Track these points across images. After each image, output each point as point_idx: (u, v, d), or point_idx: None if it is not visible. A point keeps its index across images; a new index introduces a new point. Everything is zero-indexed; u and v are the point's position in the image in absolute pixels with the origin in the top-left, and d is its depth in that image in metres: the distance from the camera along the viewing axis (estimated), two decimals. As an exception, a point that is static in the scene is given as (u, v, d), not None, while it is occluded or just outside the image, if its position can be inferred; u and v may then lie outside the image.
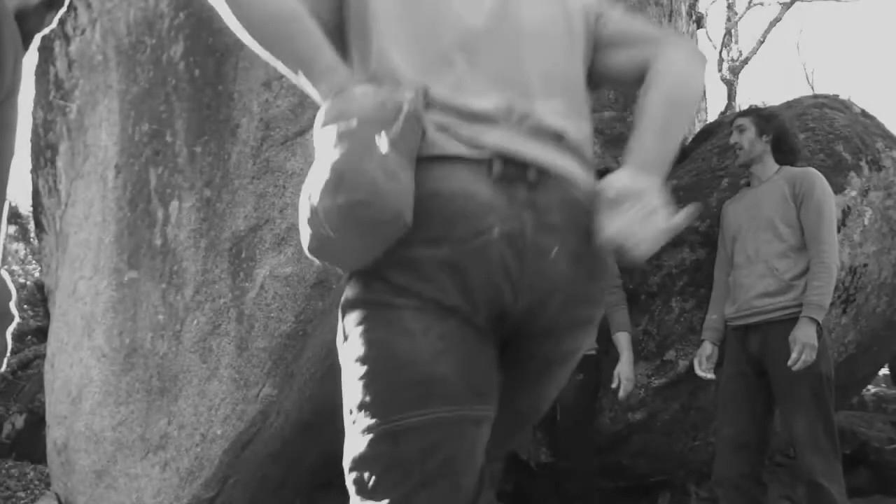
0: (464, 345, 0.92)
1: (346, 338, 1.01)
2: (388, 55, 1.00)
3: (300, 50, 0.98)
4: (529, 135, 0.97)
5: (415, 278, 0.91)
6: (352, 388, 0.98)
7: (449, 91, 0.96)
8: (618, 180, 0.97)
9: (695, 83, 1.12)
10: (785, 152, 2.71)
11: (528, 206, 0.94)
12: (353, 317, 1.00)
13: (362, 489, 0.94)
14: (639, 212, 0.92)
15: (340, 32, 1.09)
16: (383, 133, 0.86)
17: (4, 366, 1.33)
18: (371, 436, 0.93)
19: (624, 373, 2.88)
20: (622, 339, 2.96)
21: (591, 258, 1.00)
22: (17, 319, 1.29)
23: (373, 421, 0.93)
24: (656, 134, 1.05)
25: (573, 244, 0.97)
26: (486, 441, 0.93)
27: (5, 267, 1.26)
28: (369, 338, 0.95)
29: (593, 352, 3.02)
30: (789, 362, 2.35)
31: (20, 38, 1.22)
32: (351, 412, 0.98)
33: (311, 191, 0.90)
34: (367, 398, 0.94)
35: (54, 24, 1.41)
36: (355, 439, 0.96)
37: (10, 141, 1.24)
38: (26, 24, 1.28)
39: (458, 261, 0.90)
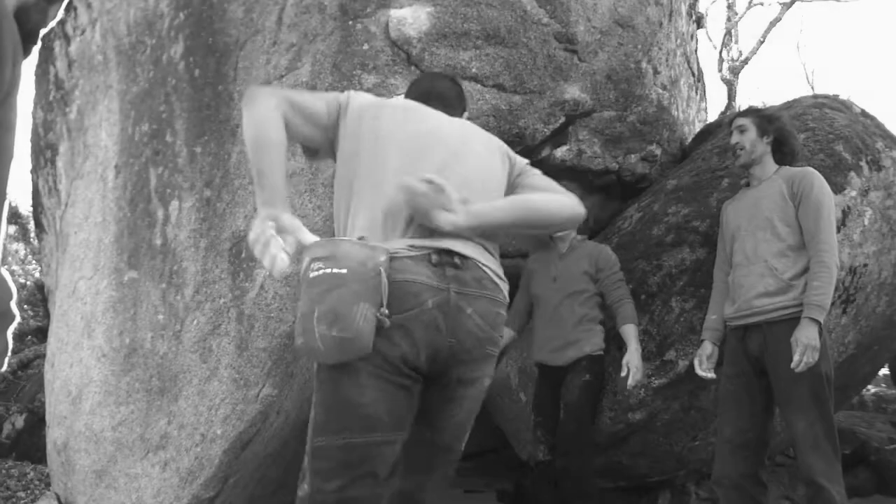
0: (393, 395, 1.43)
1: (320, 382, 1.49)
2: (358, 215, 1.55)
3: (261, 173, 1.52)
4: (456, 238, 1.52)
5: (377, 337, 1.40)
6: (320, 415, 1.47)
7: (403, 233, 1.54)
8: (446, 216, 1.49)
9: (554, 207, 1.67)
10: (785, 153, 2.71)
11: (453, 280, 1.47)
12: (324, 369, 1.48)
13: (318, 475, 1.43)
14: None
15: (332, 150, 1.68)
16: (363, 289, 1.35)
17: (5, 366, 1.33)
18: (332, 444, 1.43)
19: (633, 362, 2.85)
20: (629, 331, 2.93)
21: (492, 314, 1.53)
22: (17, 319, 1.29)
23: (334, 436, 1.43)
24: (498, 206, 1.59)
25: (481, 305, 1.50)
26: (398, 450, 1.46)
27: (5, 267, 1.26)
28: (334, 385, 1.45)
29: (600, 352, 3.04)
30: (792, 364, 2.35)
31: (19, 36, 1.22)
32: (315, 430, 1.46)
33: (312, 311, 1.36)
34: (331, 423, 1.44)
35: (58, 18, 1.42)
36: (317, 446, 1.45)
37: (9, 141, 1.24)
38: (28, 20, 1.27)
39: (404, 323, 1.42)
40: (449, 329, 1.45)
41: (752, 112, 2.84)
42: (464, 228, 1.49)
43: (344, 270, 1.35)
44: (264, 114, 1.53)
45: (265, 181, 1.52)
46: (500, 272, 1.59)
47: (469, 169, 1.59)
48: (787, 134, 2.73)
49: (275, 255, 1.39)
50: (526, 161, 1.80)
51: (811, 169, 2.66)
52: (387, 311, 1.38)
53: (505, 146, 1.77)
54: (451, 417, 1.55)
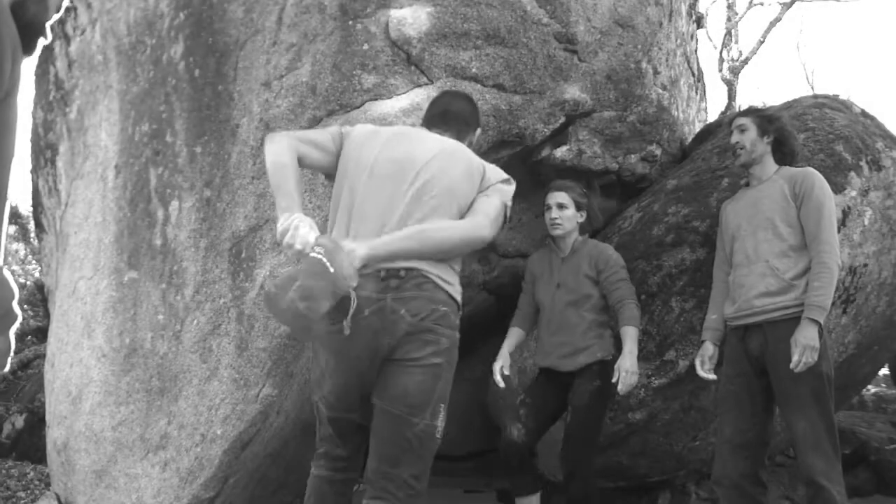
0: (343, 373, 1.88)
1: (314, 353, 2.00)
2: (333, 230, 1.98)
3: (278, 186, 1.89)
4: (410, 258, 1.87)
5: (336, 339, 1.82)
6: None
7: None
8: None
9: (446, 234, 1.88)
10: (785, 153, 2.71)
11: (394, 289, 1.81)
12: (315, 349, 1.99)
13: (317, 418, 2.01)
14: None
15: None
16: (334, 296, 1.67)
17: (7, 366, 1.34)
18: (315, 400, 2.00)
19: (623, 365, 2.69)
20: (627, 333, 2.78)
21: (427, 310, 1.82)
22: (20, 319, 1.29)
23: (315, 394, 1.99)
24: (393, 238, 1.84)
25: (415, 305, 1.81)
26: (360, 416, 1.90)
27: (5, 266, 1.25)
28: (315, 361, 1.99)
29: (610, 357, 2.87)
30: (791, 364, 2.34)
31: (18, 36, 1.22)
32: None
33: (296, 278, 1.67)
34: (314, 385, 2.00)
35: (63, 9, 1.41)
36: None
37: (9, 141, 1.24)
38: (26, 12, 1.27)
39: (353, 328, 1.80)
40: (386, 329, 1.80)
41: (752, 112, 2.83)
42: (367, 259, 1.78)
43: (332, 270, 1.65)
44: (278, 147, 1.92)
45: (281, 192, 1.87)
46: (449, 277, 1.90)
47: (427, 189, 1.89)
48: (788, 134, 2.73)
49: (304, 234, 1.77)
50: (500, 179, 2.03)
51: (812, 169, 2.66)
52: (349, 323, 1.77)
53: (483, 166, 2.03)
54: (402, 387, 1.81)
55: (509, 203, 2.03)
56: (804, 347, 2.36)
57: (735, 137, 2.76)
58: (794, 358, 2.36)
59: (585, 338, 2.87)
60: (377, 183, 1.90)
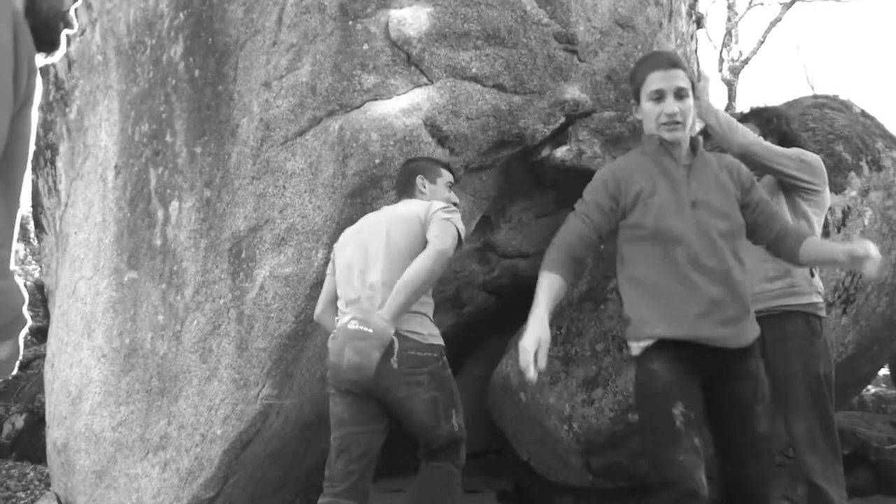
0: (354, 407, 2.30)
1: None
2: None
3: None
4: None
5: (341, 387, 2.31)
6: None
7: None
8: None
9: (413, 274, 2.21)
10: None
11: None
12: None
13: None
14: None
15: None
16: (380, 346, 2.18)
17: (16, 369, 1.34)
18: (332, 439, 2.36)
19: (865, 248, 1.86)
20: (816, 241, 2.04)
21: (412, 361, 2.23)
22: (29, 323, 1.30)
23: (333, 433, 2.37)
24: (392, 298, 2.22)
25: (353, 357, 2.20)
26: (367, 436, 2.31)
27: (14, 272, 1.26)
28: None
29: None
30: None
31: (34, 43, 1.22)
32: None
33: (343, 347, 2.26)
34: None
35: (79, 2, 1.40)
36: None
37: (24, 150, 1.25)
38: (40, 10, 1.26)
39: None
40: (379, 376, 2.21)
41: (753, 114, 2.85)
42: (392, 322, 2.20)
43: (371, 331, 2.20)
44: (318, 319, 2.61)
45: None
46: (416, 328, 2.29)
47: (373, 255, 2.36)
48: (788, 132, 2.74)
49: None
50: (442, 210, 2.36)
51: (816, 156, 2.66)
52: (396, 359, 2.23)
53: (421, 212, 2.38)
54: (411, 420, 2.29)
55: (455, 222, 2.35)
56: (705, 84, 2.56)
57: None
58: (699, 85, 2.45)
59: (747, 298, 1.96)
60: (347, 266, 2.45)
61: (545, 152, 3.46)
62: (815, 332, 2.44)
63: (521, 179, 3.70)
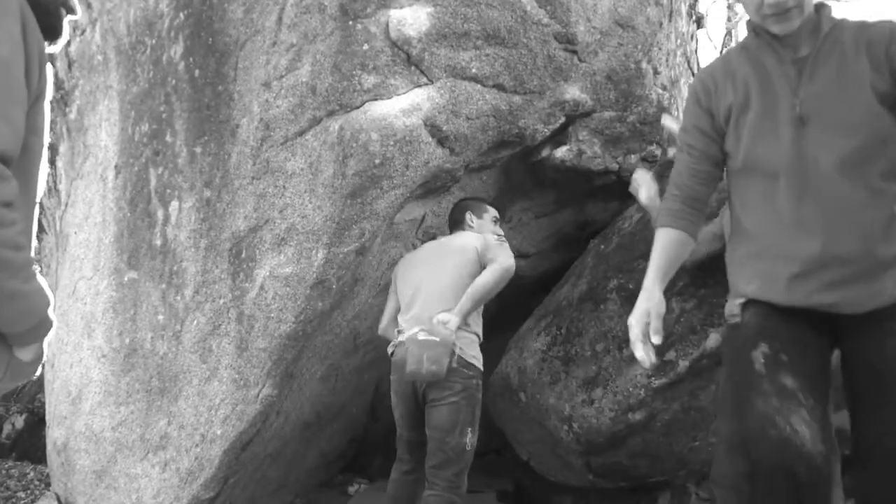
0: (405, 404, 2.76)
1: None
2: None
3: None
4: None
5: (399, 389, 2.77)
6: None
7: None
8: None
9: (482, 284, 2.70)
10: None
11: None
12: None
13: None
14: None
15: None
16: (447, 353, 2.62)
17: (39, 371, 1.34)
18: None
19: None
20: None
21: (455, 373, 2.61)
22: (55, 325, 1.29)
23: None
24: (462, 304, 2.69)
25: (430, 366, 2.55)
26: (417, 436, 2.74)
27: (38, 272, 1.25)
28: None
29: None
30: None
31: (44, 42, 1.21)
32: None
33: (421, 355, 2.60)
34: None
35: None
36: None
37: (38, 144, 1.24)
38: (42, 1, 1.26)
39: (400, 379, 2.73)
40: (413, 382, 2.69)
41: None
42: (460, 320, 2.66)
43: (438, 339, 2.62)
44: (383, 332, 3.05)
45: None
46: (464, 345, 2.72)
47: (436, 278, 2.78)
48: None
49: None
50: (495, 239, 2.88)
51: None
52: (454, 360, 2.65)
53: (478, 243, 2.84)
54: (433, 419, 2.64)
55: (500, 238, 2.97)
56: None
57: None
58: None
59: (888, 242, 1.42)
60: (407, 281, 2.91)
61: (545, 152, 3.46)
62: None
63: (521, 179, 3.70)
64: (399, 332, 2.78)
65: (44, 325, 1.23)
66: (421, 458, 2.71)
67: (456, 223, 3.07)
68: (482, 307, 2.85)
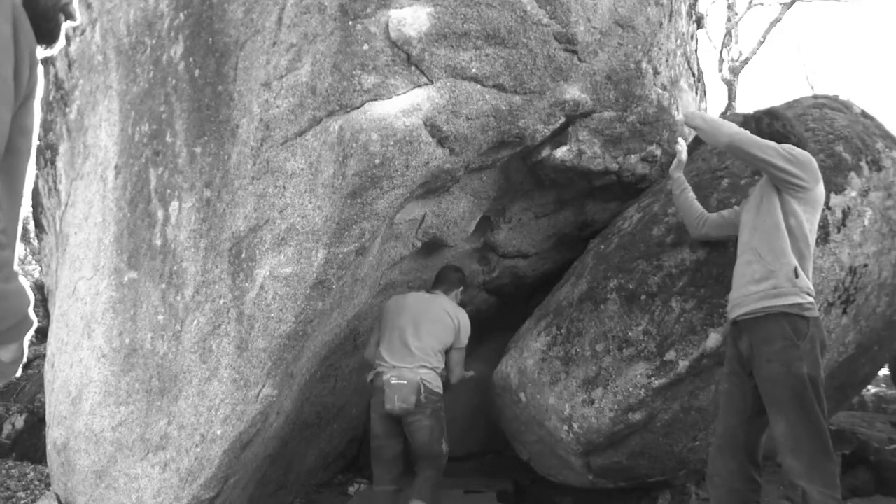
0: (386, 426, 3.39)
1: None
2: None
3: None
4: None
5: (382, 412, 3.39)
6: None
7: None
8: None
9: (455, 373, 3.57)
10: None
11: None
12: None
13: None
14: None
15: None
16: (416, 392, 3.32)
17: (19, 372, 1.33)
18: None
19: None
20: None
21: (426, 401, 3.32)
22: (36, 325, 1.28)
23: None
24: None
25: (401, 404, 3.28)
26: (396, 447, 3.41)
27: (20, 272, 1.24)
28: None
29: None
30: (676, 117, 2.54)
31: (35, 41, 1.21)
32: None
33: (393, 396, 3.31)
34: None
35: None
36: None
37: (27, 144, 1.24)
38: (37, 3, 1.25)
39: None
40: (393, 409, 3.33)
41: (749, 118, 2.87)
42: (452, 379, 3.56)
43: (405, 382, 3.31)
44: (368, 357, 3.63)
45: None
46: (431, 379, 3.38)
47: (414, 329, 3.41)
48: (783, 132, 2.73)
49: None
50: (465, 325, 3.55)
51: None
52: (422, 399, 3.33)
53: (457, 317, 3.51)
54: (415, 438, 3.32)
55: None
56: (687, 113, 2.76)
57: None
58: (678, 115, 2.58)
59: None
60: (391, 325, 3.49)
61: (545, 152, 3.46)
62: (799, 334, 2.42)
63: (521, 179, 3.70)
64: (378, 365, 3.41)
65: (24, 325, 1.22)
66: (396, 476, 3.37)
67: (443, 283, 3.67)
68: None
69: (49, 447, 3.65)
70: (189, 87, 3.19)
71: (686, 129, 4.20)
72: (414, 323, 3.43)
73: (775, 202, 2.56)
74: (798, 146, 2.68)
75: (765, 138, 2.67)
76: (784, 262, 2.49)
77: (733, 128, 2.60)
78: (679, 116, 2.71)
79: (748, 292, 2.55)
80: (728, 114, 6.88)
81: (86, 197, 3.73)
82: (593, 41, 3.21)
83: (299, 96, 2.81)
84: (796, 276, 2.47)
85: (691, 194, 3.12)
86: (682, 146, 3.29)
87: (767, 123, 2.74)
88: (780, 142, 2.67)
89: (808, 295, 2.47)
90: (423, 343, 3.39)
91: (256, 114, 2.93)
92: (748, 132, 2.60)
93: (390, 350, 3.40)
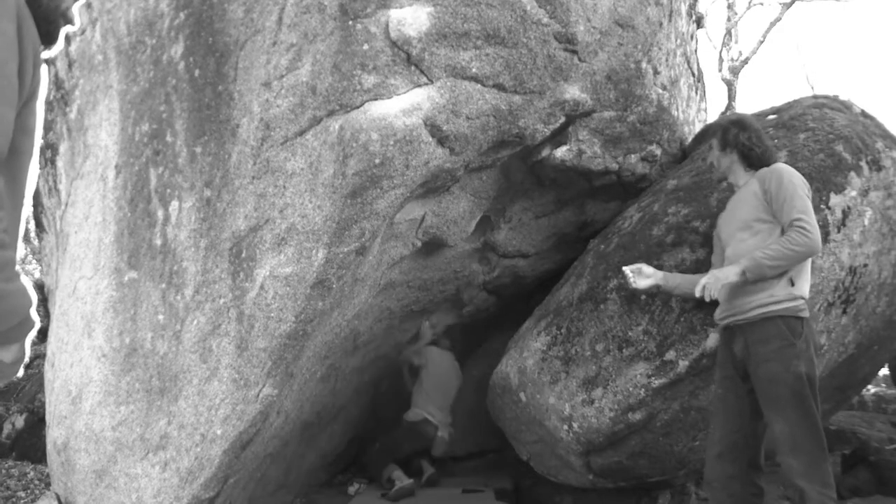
0: None
1: None
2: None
3: None
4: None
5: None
6: None
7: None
8: None
9: None
10: (753, 160, 2.73)
11: None
12: None
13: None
14: None
15: None
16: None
17: (21, 372, 1.33)
18: None
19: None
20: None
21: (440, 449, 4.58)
22: (38, 325, 1.28)
23: None
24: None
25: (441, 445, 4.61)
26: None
27: (22, 272, 1.24)
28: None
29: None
30: (696, 292, 2.51)
31: (39, 40, 1.21)
32: None
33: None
34: None
35: None
36: None
37: (28, 144, 1.23)
38: (40, 3, 1.25)
39: None
40: None
41: (715, 129, 2.92)
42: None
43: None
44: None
45: None
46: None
47: (443, 393, 4.72)
48: (749, 144, 2.74)
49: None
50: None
51: (779, 164, 2.68)
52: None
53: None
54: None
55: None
56: (712, 277, 2.47)
57: (709, 158, 2.94)
58: (697, 288, 2.51)
59: None
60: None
61: (545, 152, 3.46)
62: (795, 333, 2.44)
63: (521, 179, 3.70)
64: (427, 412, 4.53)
65: (25, 325, 1.21)
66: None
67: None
68: None
69: (49, 447, 3.64)
70: (189, 86, 3.19)
71: (686, 130, 4.20)
72: (443, 390, 4.76)
73: (765, 217, 2.58)
74: (762, 158, 2.71)
75: (731, 149, 2.72)
76: (781, 275, 2.50)
77: (767, 257, 2.46)
78: (714, 294, 2.53)
79: (741, 302, 2.56)
80: (728, 114, 6.88)
81: (86, 196, 3.73)
82: (593, 41, 3.21)
83: (299, 96, 2.81)
84: (792, 284, 2.49)
85: (678, 276, 2.95)
86: (630, 275, 2.96)
87: (734, 134, 2.76)
88: (744, 154, 2.71)
89: (802, 298, 2.49)
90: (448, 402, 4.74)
91: (256, 113, 2.93)
92: (776, 248, 2.46)
93: (432, 400, 4.63)
